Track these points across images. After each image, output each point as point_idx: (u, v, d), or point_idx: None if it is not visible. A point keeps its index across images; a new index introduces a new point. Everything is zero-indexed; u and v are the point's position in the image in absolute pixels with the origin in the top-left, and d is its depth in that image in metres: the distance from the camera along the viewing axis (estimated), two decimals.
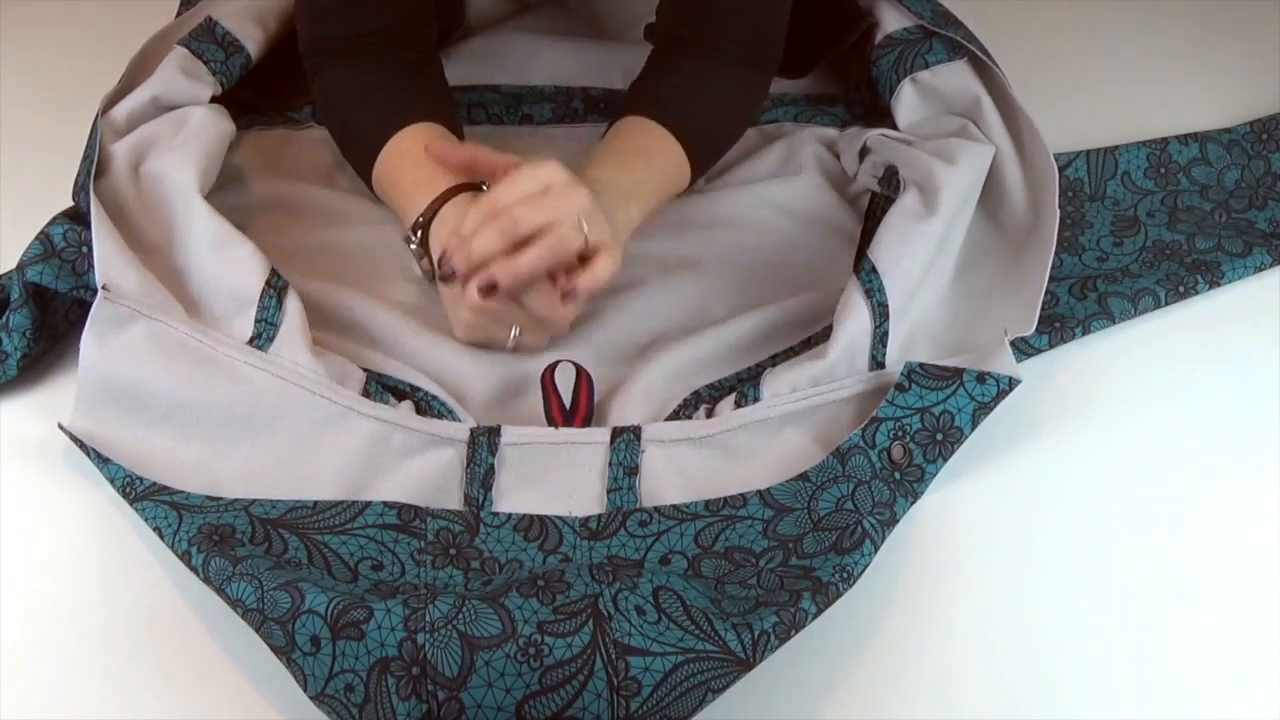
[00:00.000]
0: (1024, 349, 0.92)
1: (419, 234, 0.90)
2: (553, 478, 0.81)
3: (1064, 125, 1.13)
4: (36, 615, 0.75)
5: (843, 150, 1.08)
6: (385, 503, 0.78)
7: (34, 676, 0.72)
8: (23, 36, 1.25)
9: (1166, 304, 0.98)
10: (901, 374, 0.84)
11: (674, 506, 0.79)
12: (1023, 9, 1.34)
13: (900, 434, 0.83)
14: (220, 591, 0.71)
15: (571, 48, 1.16)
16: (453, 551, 0.76)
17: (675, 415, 0.85)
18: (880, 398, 0.85)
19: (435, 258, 0.89)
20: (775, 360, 0.90)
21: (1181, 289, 0.98)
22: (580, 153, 1.06)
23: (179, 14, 1.13)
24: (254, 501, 0.77)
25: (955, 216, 0.95)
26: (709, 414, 0.85)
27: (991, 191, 1.00)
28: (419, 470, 0.80)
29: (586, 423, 0.84)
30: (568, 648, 0.66)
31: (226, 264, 0.87)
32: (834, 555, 0.75)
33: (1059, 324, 0.94)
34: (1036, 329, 0.91)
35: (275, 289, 0.86)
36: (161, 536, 0.75)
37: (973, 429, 0.83)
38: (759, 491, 0.80)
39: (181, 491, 0.78)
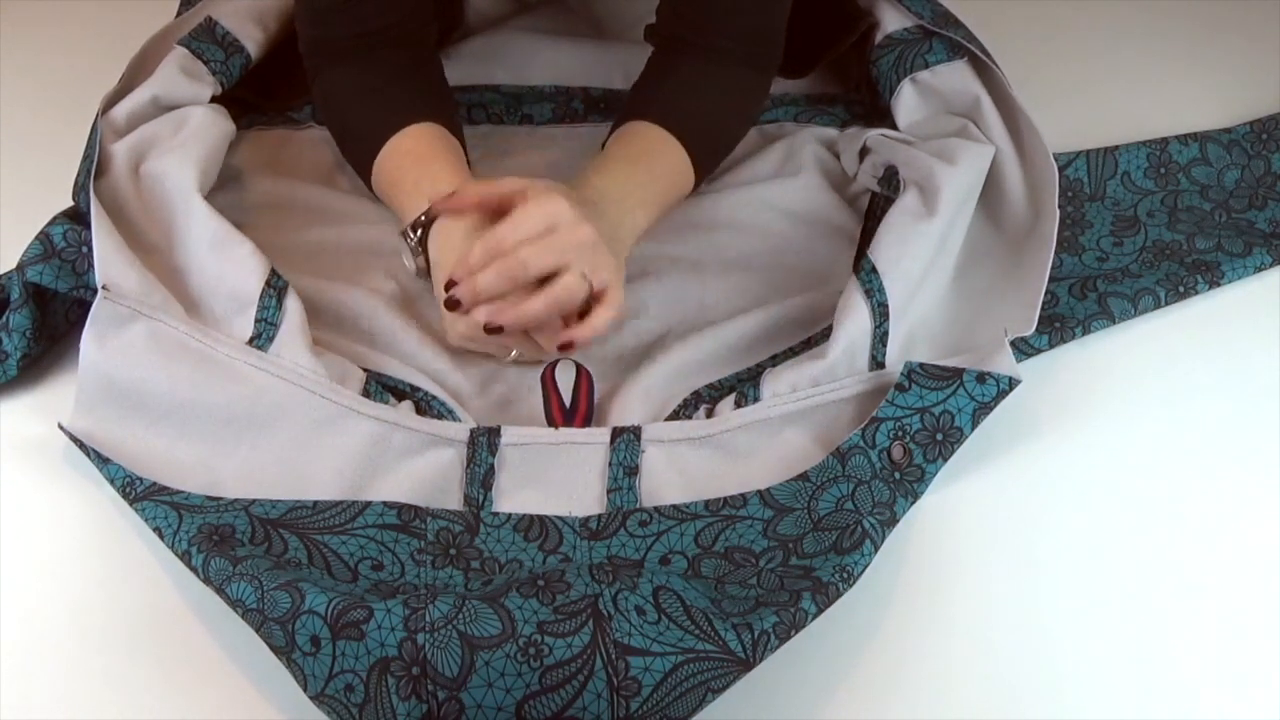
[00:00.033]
0: (1024, 349, 0.92)
1: (418, 232, 0.90)
2: (553, 478, 0.81)
3: (1064, 125, 1.13)
4: (36, 615, 0.75)
5: (843, 150, 1.08)
6: (385, 503, 0.78)
7: (34, 676, 0.72)
8: (23, 36, 1.25)
9: (1166, 304, 0.98)
10: (901, 374, 0.84)
11: (674, 506, 0.79)
12: (1023, 9, 1.34)
13: (900, 434, 0.83)
14: (220, 591, 0.71)
15: (571, 48, 1.16)
16: (453, 551, 0.76)
17: (675, 415, 0.85)
18: (880, 398, 0.85)
19: (431, 260, 0.89)
20: (775, 360, 0.90)
21: (1181, 289, 0.98)
22: (580, 152, 1.07)
23: (179, 14, 1.13)
24: (254, 501, 0.77)
25: (955, 216, 0.95)
26: (709, 414, 0.85)
27: (991, 191, 1.00)
28: (419, 470, 0.80)
29: (586, 423, 0.84)
30: (568, 648, 0.66)
31: (226, 264, 0.87)
32: (834, 555, 0.75)
33: (1059, 324, 0.94)
34: (1036, 329, 0.91)
35: (275, 289, 0.86)
36: (161, 536, 0.75)
37: (973, 429, 0.83)
38: (759, 491, 0.80)
39: (181, 491, 0.78)
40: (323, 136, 1.06)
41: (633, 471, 0.81)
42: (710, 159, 0.99)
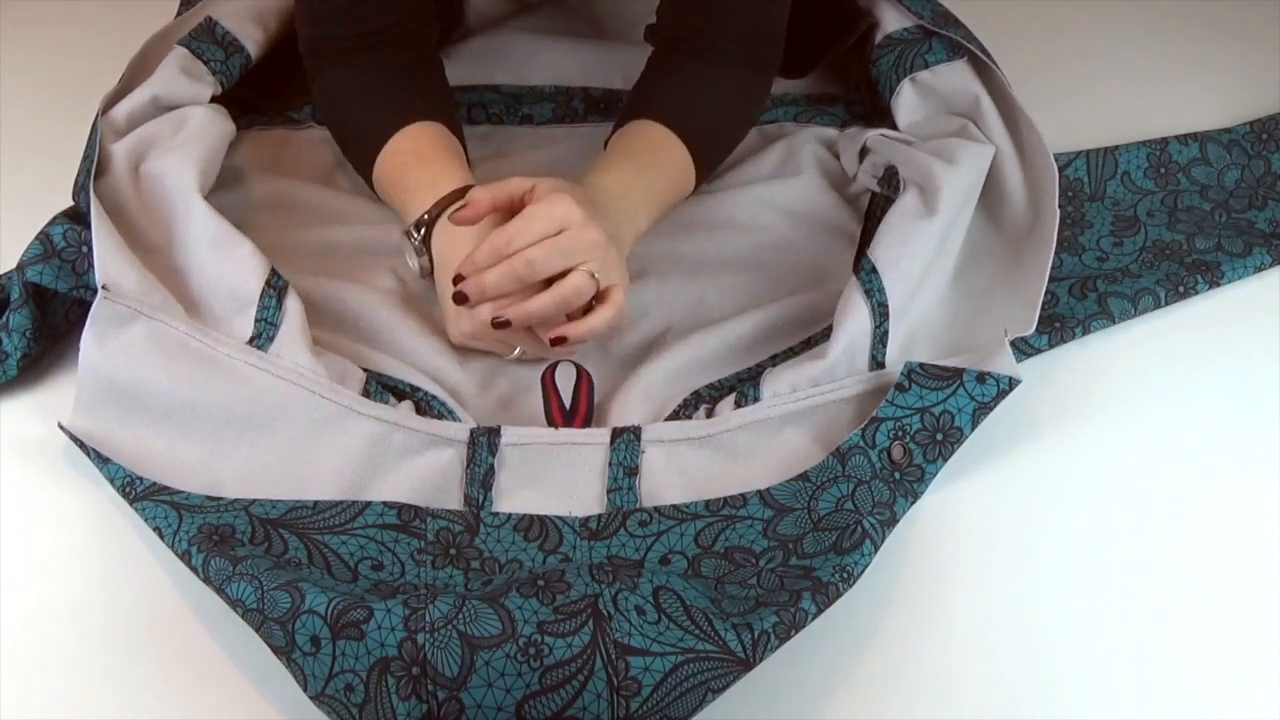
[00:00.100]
0: (1024, 349, 0.92)
1: (421, 231, 0.90)
2: (553, 478, 0.81)
3: (1064, 125, 1.13)
4: (36, 615, 0.75)
5: (843, 150, 1.08)
6: (385, 503, 0.78)
7: (34, 676, 0.72)
8: (23, 36, 1.25)
9: (1166, 304, 0.98)
10: (901, 374, 0.84)
11: (674, 506, 0.79)
12: (1023, 9, 1.34)
13: (900, 434, 0.83)
14: (220, 591, 0.71)
15: (571, 48, 1.16)
16: (453, 551, 0.76)
17: (675, 415, 0.85)
18: (880, 398, 0.85)
19: (436, 260, 0.89)
20: (775, 360, 0.90)
21: (1181, 289, 0.98)
22: (580, 152, 1.07)
23: (179, 14, 1.13)
24: (254, 501, 0.77)
25: (955, 216, 0.95)
26: (709, 414, 0.85)
27: (991, 191, 1.00)
28: (419, 470, 0.80)
29: (586, 423, 0.84)
30: (568, 648, 0.66)
31: (226, 264, 0.87)
32: (834, 555, 0.75)
33: (1059, 324, 0.94)
34: (1036, 329, 0.91)
35: (275, 289, 0.86)
36: (161, 536, 0.75)
37: (973, 429, 0.83)
38: (759, 491, 0.80)
39: (181, 491, 0.78)
40: (323, 136, 1.06)
41: (633, 471, 0.81)
42: (711, 158, 0.99)
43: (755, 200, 1.03)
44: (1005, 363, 0.85)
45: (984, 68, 1.05)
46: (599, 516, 0.79)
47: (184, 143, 0.95)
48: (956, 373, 0.84)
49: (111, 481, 0.79)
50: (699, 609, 0.69)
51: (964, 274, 0.97)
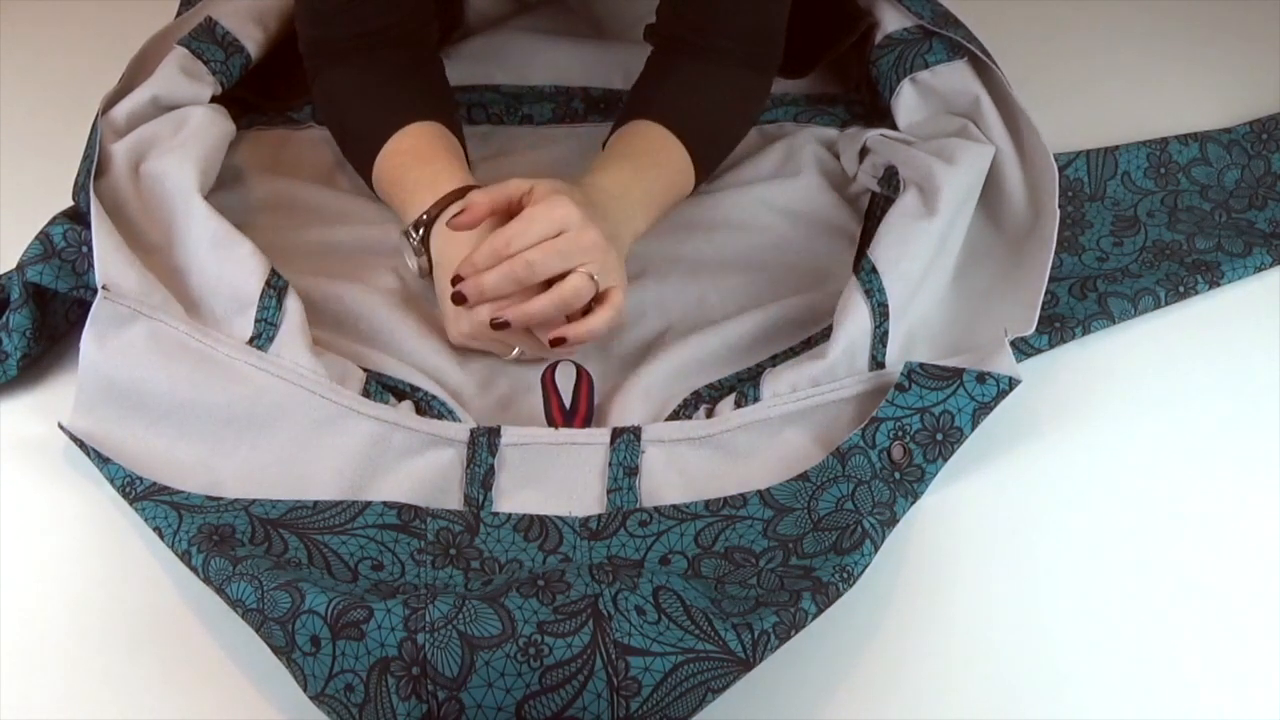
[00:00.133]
0: (1024, 349, 0.92)
1: (420, 231, 0.90)
2: (553, 478, 0.81)
3: (1064, 125, 1.13)
4: (36, 615, 0.75)
5: (843, 150, 1.08)
6: (385, 503, 0.78)
7: (34, 676, 0.72)
8: (23, 36, 1.25)
9: (1166, 304, 0.98)
10: (901, 374, 0.84)
11: (674, 506, 0.79)
12: (1023, 9, 1.34)
13: (900, 434, 0.82)
14: (220, 591, 0.71)
15: (571, 48, 1.16)
16: (453, 551, 0.76)
17: (675, 415, 0.85)
18: (880, 398, 0.85)
19: (435, 260, 0.89)
20: (775, 360, 0.90)
21: (1181, 289, 0.98)
22: (580, 152, 1.07)
23: (179, 14, 1.13)
24: (254, 501, 0.77)
25: (955, 217, 0.95)
26: (709, 414, 0.85)
27: (991, 191, 1.00)
28: (419, 470, 0.80)
29: (586, 423, 0.84)
30: (568, 648, 0.66)
31: (226, 264, 0.87)
32: (834, 555, 0.75)
33: (1059, 324, 0.94)
34: (1036, 329, 0.91)
35: (275, 289, 0.86)
36: (161, 536, 0.75)
37: (973, 429, 0.83)
38: (759, 491, 0.80)
39: (181, 491, 0.78)
40: (323, 136, 1.06)
41: (633, 471, 0.81)
42: (710, 158, 0.99)
43: (755, 200, 1.03)
44: (1005, 363, 0.85)
45: (984, 68, 1.05)
46: (599, 516, 0.79)
47: (184, 143, 0.95)
48: (956, 373, 0.84)
49: (111, 481, 0.79)
50: (699, 609, 0.69)
51: (964, 274, 0.97)
